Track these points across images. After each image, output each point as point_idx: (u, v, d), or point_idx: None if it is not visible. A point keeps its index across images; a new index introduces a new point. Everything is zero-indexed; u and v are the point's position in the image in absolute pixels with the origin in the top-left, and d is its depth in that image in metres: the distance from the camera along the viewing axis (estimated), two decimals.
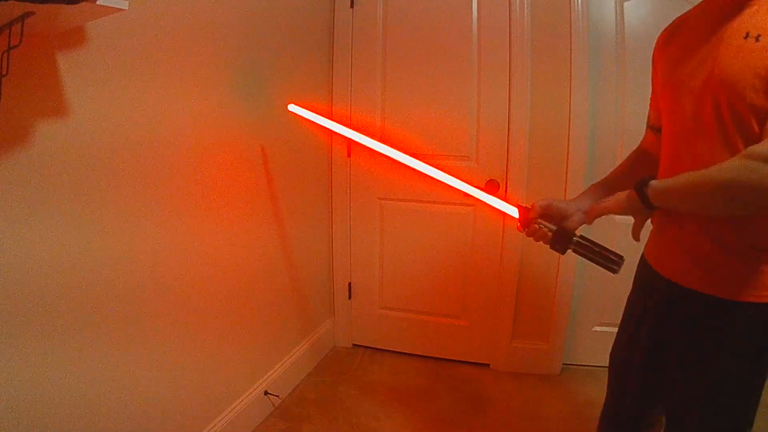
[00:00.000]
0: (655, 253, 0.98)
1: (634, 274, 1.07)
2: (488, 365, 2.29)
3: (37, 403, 1.00)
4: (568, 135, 2.01)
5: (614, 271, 0.98)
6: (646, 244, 1.04)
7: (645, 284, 1.02)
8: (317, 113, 1.54)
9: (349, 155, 2.30)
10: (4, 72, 0.81)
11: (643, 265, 1.02)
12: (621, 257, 0.98)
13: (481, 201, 1.15)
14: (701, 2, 0.88)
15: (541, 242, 1.05)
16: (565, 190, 2.05)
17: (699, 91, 0.81)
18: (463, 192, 1.18)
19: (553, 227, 1.03)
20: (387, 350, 2.41)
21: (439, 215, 2.22)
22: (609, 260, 0.97)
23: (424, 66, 2.14)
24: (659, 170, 0.97)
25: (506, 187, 2.10)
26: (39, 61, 0.94)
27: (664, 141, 0.94)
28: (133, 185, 1.20)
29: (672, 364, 0.93)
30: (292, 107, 1.60)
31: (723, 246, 0.81)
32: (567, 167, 2.03)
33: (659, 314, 0.96)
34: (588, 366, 2.23)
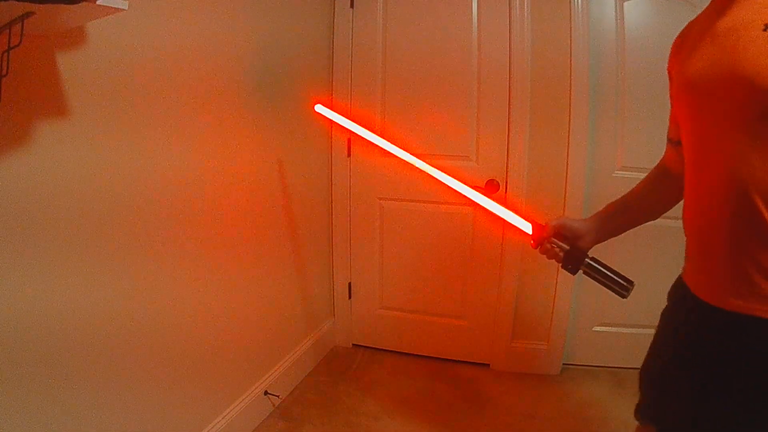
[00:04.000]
0: (694, 278, 0.90)
1: (668, 292, 0.99)
2: (488, 365, 2.29)
3: None
4: (568, 134, 2.01)
5: (623, 296, 0.98)
6: (684, 269, 0.96)
7: (680, 300, 0.93)
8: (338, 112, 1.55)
9: (349, 155, 2.30)
10: (4, 72, 0.80)
11: (680, 286, 0.94)
12: (631, 282, 0.97)
13: (491, 211, 1.13)
14: (709, 5, 0.84)
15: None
16: (565, 189, 2.05)
17: (721, 90, 0.76)
18: (480, 205, 1.15)
19: (566, 247, 1.01)
20: (387, 350, 2.42)
21: (439, 215, 2.22)
22: (619, 285, 0.98)
23: (425, 65, 2.14)
24: (685, 182, 0.90)
25: (506, 187, 2.11)
26: (39, 61, 0.94)
27: (686, 150, 0.88)
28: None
29: (709, 384, 0.84)
30: (318, 108, 1.58)
31: (762, 267, 0.76)
32: (567, 167, 2.04)
33: (696, 334, 0.87)
34: (588, 366, 2.22)
